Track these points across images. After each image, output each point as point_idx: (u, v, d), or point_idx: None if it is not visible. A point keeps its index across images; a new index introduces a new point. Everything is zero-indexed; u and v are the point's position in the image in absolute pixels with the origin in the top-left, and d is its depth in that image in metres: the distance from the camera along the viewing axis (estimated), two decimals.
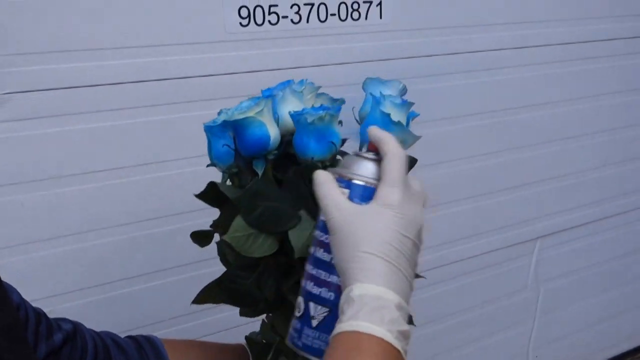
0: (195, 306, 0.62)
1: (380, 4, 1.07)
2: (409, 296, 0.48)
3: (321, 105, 0.61)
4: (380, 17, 1.08)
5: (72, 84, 0.86)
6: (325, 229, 0.50)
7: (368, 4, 1.06)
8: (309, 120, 0.56)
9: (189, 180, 0.88)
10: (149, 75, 0.92)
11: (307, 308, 0.50)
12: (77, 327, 0.61)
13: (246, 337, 0.71)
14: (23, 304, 0.55)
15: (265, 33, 0.98)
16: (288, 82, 0.62)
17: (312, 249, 0.51)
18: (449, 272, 1.38)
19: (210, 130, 0.59)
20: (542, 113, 1.37)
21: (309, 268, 0.51)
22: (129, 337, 0.68)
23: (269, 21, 0.98)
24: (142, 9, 0.88)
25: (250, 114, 0.56)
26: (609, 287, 1.72)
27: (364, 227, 0.47)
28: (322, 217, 0.50)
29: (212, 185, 0.58)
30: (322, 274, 0.50)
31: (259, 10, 0.97)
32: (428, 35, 1.15)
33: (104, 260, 0.97)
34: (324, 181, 0.50)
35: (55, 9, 0.83)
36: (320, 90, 0.63)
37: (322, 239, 0.50)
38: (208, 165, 0.62)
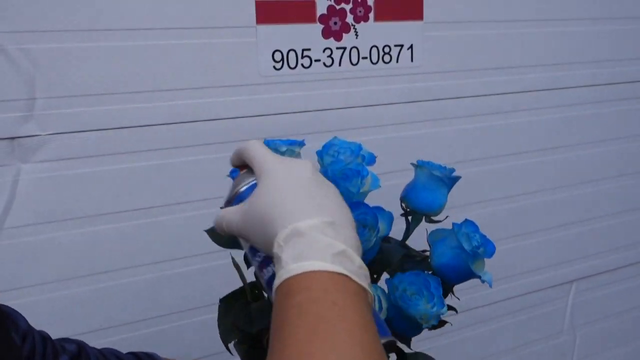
0: (223, 346, 0.63)
1: (411, 47, 1.08)
2: (346, 214, 0.41)
3: None
4: (412, 60, 1.09)
5: (110, 126, 0.89)
6: (254, 255, 0.48)
7: (399, 47, 1.07)
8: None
9: None
10: (184, 117, 0.94)
11: None
12: (80, 346, 0.61)
13: None
14: (30, 330, 0.56)
15: (298, 76, 1.00)
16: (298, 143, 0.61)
17: (262, 280, 0.48)
18: (482, 315, 1.35)
19: None
20: (579, 153, 1.36)
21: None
22: (131, 353, 0.68)
23: (302, 64, 1.00)
24: (178, 52, 0.91)
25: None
26: None
27: (262, 203, 0.43)
28: (245, 249, 0.50)
29: None
30: None
31: (292, 54, 0.99)
32: (459, 77, 1.16)
33: (138, 298, 0.98)
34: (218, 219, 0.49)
35: (96, 53, 0.86)
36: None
37: (259, 259, 0.48)
38: None
